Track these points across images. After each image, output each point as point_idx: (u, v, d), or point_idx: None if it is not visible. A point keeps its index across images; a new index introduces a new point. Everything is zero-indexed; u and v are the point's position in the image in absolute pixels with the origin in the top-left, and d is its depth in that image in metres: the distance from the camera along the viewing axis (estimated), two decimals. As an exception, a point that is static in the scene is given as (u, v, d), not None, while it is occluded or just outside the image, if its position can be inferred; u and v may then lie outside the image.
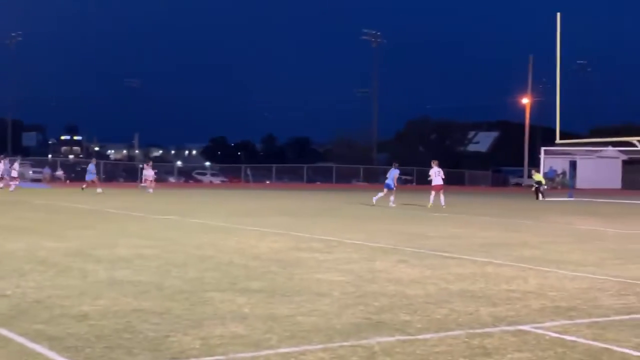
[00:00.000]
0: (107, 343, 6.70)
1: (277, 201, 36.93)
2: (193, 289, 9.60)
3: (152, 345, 6.67)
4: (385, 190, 32.06)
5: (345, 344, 6.86)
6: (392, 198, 32.02)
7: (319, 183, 74.79)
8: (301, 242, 15.89)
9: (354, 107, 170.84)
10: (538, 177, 46.11)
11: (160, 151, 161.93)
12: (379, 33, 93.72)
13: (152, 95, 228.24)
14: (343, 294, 9.51)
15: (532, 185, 47.59)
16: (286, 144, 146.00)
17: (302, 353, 6.51)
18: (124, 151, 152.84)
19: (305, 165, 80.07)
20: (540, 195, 44.40)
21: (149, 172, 47.83)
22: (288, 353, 6.49)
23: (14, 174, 43.93)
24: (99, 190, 41.29)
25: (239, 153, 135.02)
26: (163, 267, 11.60)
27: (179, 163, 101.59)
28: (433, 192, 32.15)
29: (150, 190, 45.21)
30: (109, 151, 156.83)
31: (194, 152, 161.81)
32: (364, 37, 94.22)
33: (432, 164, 33.07)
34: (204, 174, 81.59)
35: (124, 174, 72.80)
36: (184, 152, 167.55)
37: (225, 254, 13.43)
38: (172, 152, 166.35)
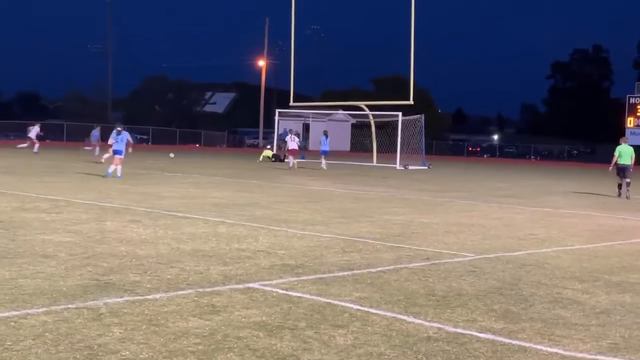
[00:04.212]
0: None
1: (1, 159, 34.82)
2: None
3: None
4: (324, 156, 37.79)
5: (70, 306, 6.62)
6: (324, 161, 37.83)
7: (48, 141, 71.50)
8: (26, 202, 15.10)
9: (88, 63, 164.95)
10: (267, 153, 45.95)
11: None
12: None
13: None
14: (70, 255, 9.16)
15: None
16: (13, 99, 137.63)
17: (23, 317, 6.18)
18: None
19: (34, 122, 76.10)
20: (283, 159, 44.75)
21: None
22: (7, 318, 6.14)
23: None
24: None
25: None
26: None
27: None
28: (291, 156, 37.45)
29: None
30: None
31: None
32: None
33: (290, 131, 39.91)
34: None
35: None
36: None
37: (-59, 215, 12.45)
38: None
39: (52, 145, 62.28)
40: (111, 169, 23.85)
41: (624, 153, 25.44)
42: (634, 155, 25.58)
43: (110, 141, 24.46)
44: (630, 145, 26.20)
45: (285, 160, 40.29)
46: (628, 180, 25.27)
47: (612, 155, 25.77)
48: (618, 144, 25.93)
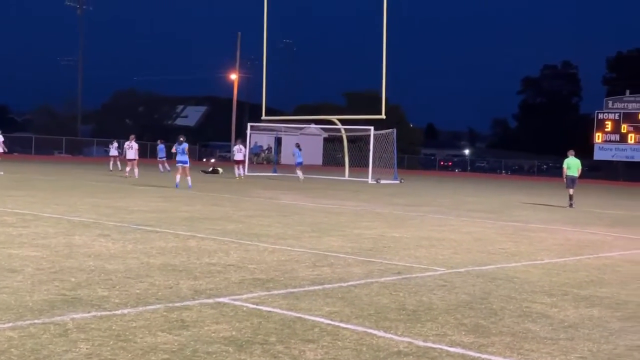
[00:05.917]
0: None
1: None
2: None
3: None
4: (299, 167, 39.52)
5: (37, 321, 6.53)
6: (300, 173, 39.37)
7: (16, 154, 70.88)
8: (-6, 215, 14.92)
9: (57, 76, 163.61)
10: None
11: None
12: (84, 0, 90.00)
13: None
14: (37, 269, 9.05)
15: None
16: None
17: (-12, 333, 6.09)
18: None
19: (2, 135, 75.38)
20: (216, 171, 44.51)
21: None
22: (-28, 334, 6.04)
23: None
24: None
25: None
26: None
27: None
28: (236, 166, 39.15)
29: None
30: None
31: None
32: (68, 4, 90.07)
33: (237, 142, 41.61)
34: None
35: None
36: None
37: None
38: None
39: (19, 158, 61.73)
40: (178, 179, 26.03)
41: (572, 165, 26.66)
42: (580, 167, 26.69)
43: (173, 150, 27.25)
44: (577, 158, 27.30)
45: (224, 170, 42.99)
46: (571, 191, 26.29)
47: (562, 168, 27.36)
48: (566, 156, 27.00)
